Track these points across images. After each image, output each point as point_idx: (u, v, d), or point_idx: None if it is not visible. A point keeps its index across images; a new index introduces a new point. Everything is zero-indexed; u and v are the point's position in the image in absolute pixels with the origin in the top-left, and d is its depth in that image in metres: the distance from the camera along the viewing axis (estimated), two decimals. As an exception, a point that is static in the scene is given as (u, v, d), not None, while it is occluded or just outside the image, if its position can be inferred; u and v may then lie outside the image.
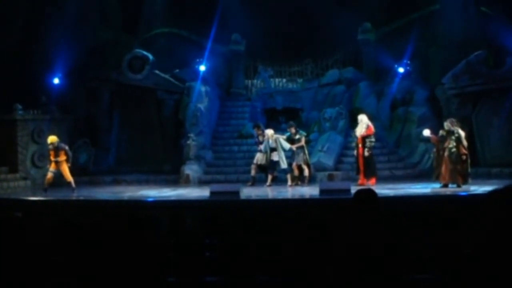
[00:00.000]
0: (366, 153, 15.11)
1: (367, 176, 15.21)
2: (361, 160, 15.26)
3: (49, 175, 15.79)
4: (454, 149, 13.83)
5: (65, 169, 15.77)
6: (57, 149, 15.76)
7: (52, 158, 15.80)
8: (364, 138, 15.25)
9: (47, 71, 19.52)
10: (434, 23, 20.31)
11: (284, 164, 16.04)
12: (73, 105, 20.13)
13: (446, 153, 13.88)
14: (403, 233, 4.82)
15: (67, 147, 16.12)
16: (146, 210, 11.89)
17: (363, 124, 15.36)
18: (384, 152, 18.64)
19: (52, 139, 15.95)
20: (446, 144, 13.94)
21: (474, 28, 19.05)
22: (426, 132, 14.60)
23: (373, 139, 15.37)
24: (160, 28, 22.57)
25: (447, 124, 14.06)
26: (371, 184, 14.90)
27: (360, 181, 15.17)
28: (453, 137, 13.87)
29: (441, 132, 14.18)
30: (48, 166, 16.23)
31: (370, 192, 4.72)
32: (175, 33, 22.50)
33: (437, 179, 14.25)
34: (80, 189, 16.01)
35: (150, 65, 20.03)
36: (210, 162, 19.24)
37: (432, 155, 15.25)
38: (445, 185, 13.98)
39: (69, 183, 15.78)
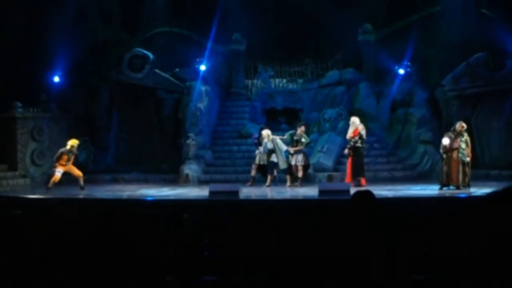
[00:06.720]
0: (346, 151, 15.45)
1: (354, 176, 15.26)
2: (349, 161, 15.46)
3: (58, 175, 15.47)
4: (464, 151, 13.87)
5: (72, 167, 15.74)
6: (73, 154, 15.63)
7: (63, 162, 15.49)
8: (350, 139, 15.40)
9: (47, 69, 19.51)
10: (434, 24, 20.31)
11: (283, 165, 16.03)
12: (72, 104, 20.10)
13: (455, 155, 13.85)
14: (401, 234, 4.82)
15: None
16: (145, 209, 11.90)
17: (354, 126, 15.52)
18: (383, 154, 18.66)
19: (74, 142, 15.71)
20: (455, 145, 13.92)
21: (474, 30, 19.03)
22: (445, 141, 14.07)
23: (357, 140, 15.39)
24: (161, 27, 22.56)
25: (457, 127, 13.99)
26: (362, 184, 14.98)
27: (347, 180, 15.29)
28: (462, 139, 13.90)
29: (449, 134, 14.09)
30: (53, 168, 15.78)
31: (368, 193, 4.73)
32: (175, 32, 22.50)
33: (447, 183, 14.09)
34: (79, 188, 15.96)
35: (150, 64, 20.00)
36: (209, 162, 19.22)
37: (442, 159, 14.85)
38: (444, 186, 14.02)
39: (79, 178, 15.69)
